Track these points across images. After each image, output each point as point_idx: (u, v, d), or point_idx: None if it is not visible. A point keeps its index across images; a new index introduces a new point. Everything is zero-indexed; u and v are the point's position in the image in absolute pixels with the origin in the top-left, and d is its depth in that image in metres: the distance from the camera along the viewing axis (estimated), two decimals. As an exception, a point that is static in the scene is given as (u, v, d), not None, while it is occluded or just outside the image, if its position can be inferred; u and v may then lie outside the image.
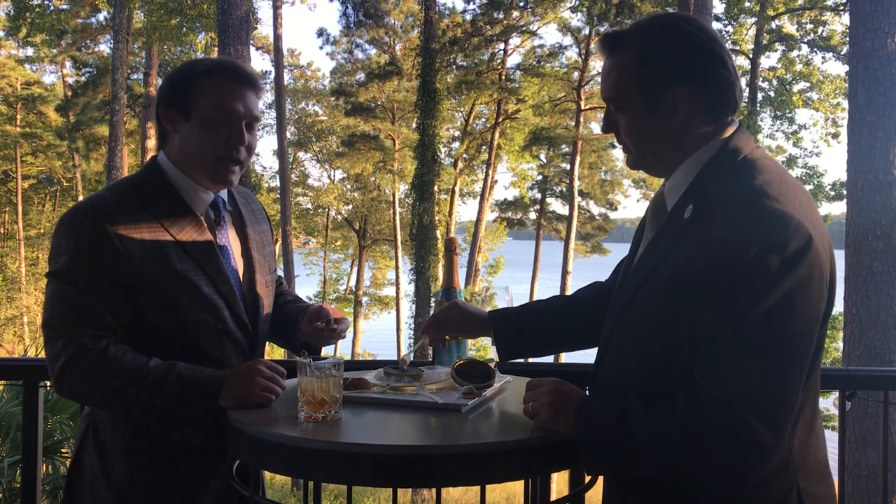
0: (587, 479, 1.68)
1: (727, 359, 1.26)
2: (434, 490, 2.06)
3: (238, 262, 1.82)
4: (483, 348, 18.22)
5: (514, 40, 24.03)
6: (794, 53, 19.50)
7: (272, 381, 1.60)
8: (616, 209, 28.21)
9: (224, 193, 1.84)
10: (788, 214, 1.27)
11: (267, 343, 1.98)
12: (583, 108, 23.55)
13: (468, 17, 22.69)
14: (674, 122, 1.42)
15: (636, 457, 1.33)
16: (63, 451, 4.54)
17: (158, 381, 1.57)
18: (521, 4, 22.89)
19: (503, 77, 23.78)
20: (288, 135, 24.82)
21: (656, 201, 1.52)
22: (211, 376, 1.59)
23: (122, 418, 1.68)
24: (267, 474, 1.77)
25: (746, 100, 19.10)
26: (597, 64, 24.94)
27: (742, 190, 1.33)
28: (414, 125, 21.46)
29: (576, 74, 23.99)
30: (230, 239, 1.82)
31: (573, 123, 24.69)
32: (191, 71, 1.74)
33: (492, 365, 1.73)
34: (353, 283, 32.26)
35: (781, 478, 1.33)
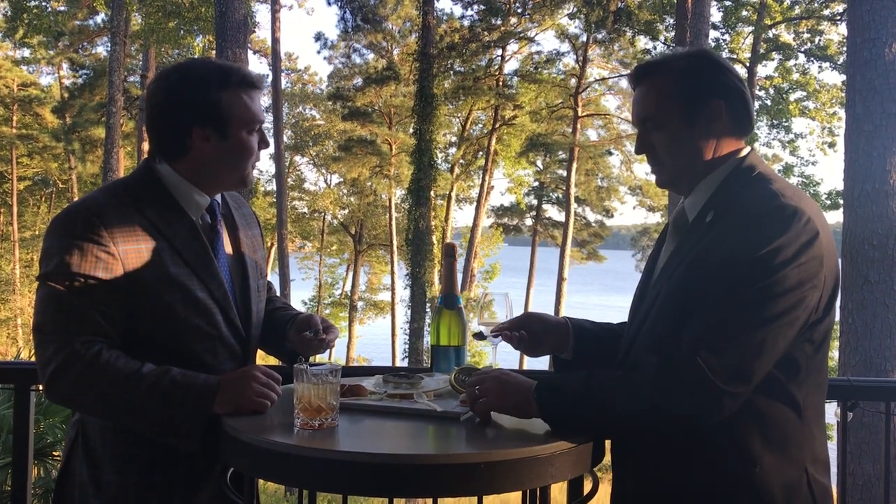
0: (586, 489, 1.66)
1: (713, 321, 1.38)
2: (430, 499, 2.04)
3: (231, 267, 1.80)
4: (478, 353, 18.19)
5: (512, 46, 24.09)
6: (791, 63, 19.57)
7: (267, 388, 1.58)
8: (612, 216, 28.28)
9: (218, 197, 1.82)
10: (801, 210, 1.41)
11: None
12: (580, 114, 23.60)
13: (466, 22, 22.74)
14: (710, 135, 1.55)
15: (601, 408, 1.41)
16: (55, 454, 4.50)
17: (152, 387, 1.54)
18: (519, 11, 22.94)
19: (500, 83, 23.81)
20: (285, 139, 24.79)
21: (677, 216, 1.62)
22: (205, 382, 1.57)
23: (114, 425, 1.65)
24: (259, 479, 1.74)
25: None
26: (594, 70, 25.02)
27: (760, 193, 1.47)
28: (411, 130, 21.46)
29: (573, 81, 24.06)
30: (223, 243, 1.80)
31: (570, 130, 24.75)
32: (207, 83, 1.66)
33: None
34: (348, 287, 32.21)
35: (794, 462, 1.44)
